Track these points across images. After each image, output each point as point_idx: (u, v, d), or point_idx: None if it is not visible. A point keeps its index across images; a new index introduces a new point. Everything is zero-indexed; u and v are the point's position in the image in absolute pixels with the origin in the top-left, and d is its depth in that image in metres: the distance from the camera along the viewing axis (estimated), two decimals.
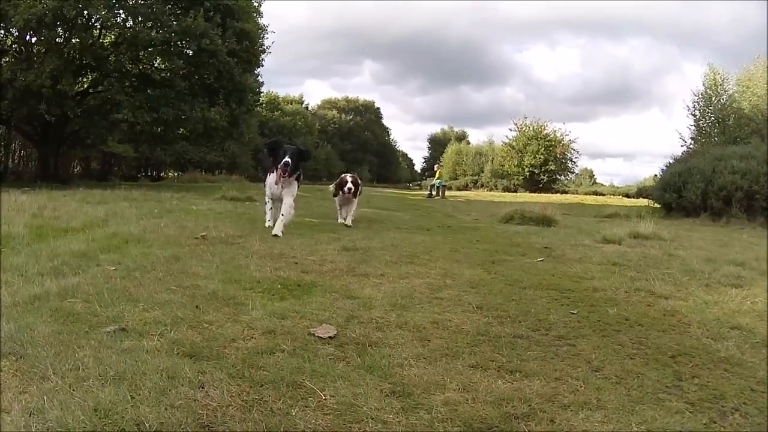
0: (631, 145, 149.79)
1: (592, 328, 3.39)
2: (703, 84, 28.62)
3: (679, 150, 29.16)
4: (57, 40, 18.46)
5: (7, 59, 18.88)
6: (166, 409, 2.04)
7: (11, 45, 19.55)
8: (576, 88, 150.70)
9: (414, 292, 4.14)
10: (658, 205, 17.28)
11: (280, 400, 2.18)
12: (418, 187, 60.08)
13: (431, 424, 2.06)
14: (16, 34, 18.81)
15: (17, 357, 2.48)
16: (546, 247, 7.03)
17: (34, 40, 18.84)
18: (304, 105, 64.06)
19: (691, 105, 28.65)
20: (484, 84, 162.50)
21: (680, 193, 15.50)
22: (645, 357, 2.88)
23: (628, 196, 42.37)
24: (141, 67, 21.39)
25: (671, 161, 19.02)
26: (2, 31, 19.15)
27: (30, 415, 1.98)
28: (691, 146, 26.79)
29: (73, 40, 18.93)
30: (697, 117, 28.39)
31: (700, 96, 28.43)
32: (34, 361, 2.42)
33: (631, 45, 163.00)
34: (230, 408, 2.10)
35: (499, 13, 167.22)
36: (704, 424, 2.17)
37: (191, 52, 19.96)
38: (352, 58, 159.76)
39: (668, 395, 2.40)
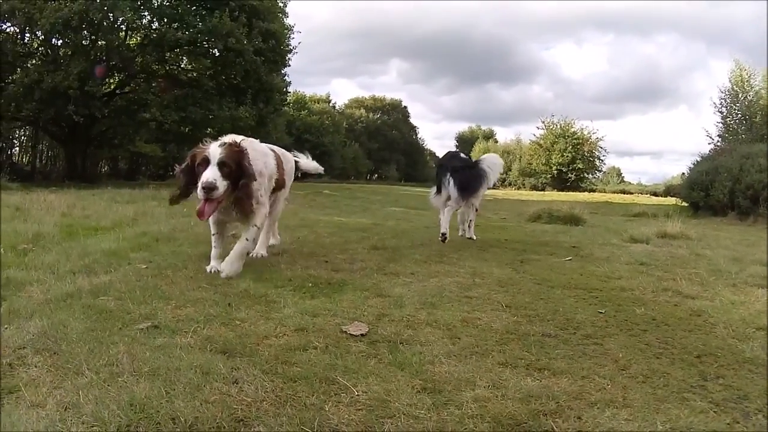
0: (659, 143, 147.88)
1: (619, 327, 3.38)
2: (730, 81, 28.27)
3: (706, 148, 28.85)
4: (83, 42, 18.71)
5: (34, 61, 19.13)
6: (200, 404, 2.07)
7: (38, 48, 19.83)
8: (603, 86, 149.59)
9: (444, 290, 4.15)
10: (686, 204, 17.09)
11: (313, 395, 2.21)
12: None
13: (461, 420, 2.07)
14: (42, 37, 19.07)
15: (51, 353, 2.53)
16: (574, 247, 7.00)
17: (60, 43, 19.08)
18: (331, 104, 63.78)
19: (718, 102, 28.32)
20: (511, 82, 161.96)
21: (707, 191, 15.32)
22: (671, 357, 2.87)
23: (655, 194, 42.11)
24: (168, 68, 21.61)
25: (698, 159, 18.77)
26: (29, 35, 19.43)
27: (65, 410, 2.02)
28: (719, 144, 26.42)
29: (100, 42, 19.17)
30: (724, 114, 28.05)
31: (727, 93, 28.08)
32: (68, 357, 2.47)
33: (659, 42, 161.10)
34: (264, 403, 2.13)
35: (525, 11, 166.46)
36: (728, 424, 2.16)
37: (217, 52, 20.15)
38: (379, 58, 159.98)
39: (693, 395, 2.40)
